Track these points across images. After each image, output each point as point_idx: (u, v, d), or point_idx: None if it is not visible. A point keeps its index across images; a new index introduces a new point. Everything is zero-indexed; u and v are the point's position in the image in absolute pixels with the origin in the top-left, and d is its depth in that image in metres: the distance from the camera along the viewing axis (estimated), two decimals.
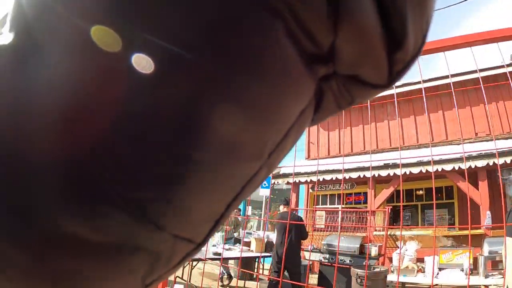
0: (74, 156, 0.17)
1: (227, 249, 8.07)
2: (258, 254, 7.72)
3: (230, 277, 8.91)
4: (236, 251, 8.41)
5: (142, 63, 0.16)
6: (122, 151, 0.17)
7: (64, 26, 0.17)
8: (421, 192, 9.90)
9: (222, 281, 8.63)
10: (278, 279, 6.91)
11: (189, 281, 6.82)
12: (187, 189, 0.19)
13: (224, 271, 8.75)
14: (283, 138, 0.20)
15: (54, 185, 0.17)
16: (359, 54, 0.19)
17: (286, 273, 6.73)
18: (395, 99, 3.29)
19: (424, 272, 6.01)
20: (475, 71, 8.53)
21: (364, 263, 6.93)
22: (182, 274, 7.52)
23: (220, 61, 0.16)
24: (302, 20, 0.16)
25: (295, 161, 10.72)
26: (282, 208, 7.41)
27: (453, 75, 8.87)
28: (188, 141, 0.17)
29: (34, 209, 0.17)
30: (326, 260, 7.65)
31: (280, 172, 11.39)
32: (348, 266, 6.94)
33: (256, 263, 8.24)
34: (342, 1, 0.16)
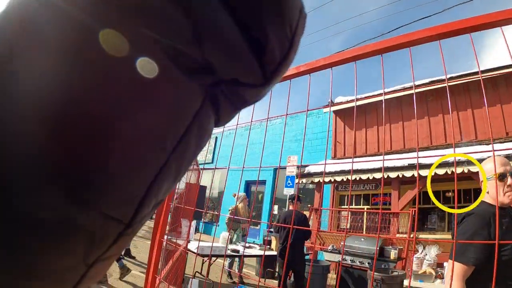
0: (52, 156, 0.21)
1: (246, 247, 8.10)
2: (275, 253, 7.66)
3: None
4: (256, 249, 8.41)
5: (147, 67, 0.21)
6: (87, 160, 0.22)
7: (64, 21, 0.21)
8: (449, 194, 9.54)
9: (231, 277, 8.65)
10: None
11: (207, 277, 6.84)
12: (110, 174, 0.23)
13: (229, 270, 8.79)
14: (184, 135, 0.25)
15: (29, 174, 0.21)
16: (229, 62, 0.23)
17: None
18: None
19: (443, 278, 5.76)
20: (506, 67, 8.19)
21: (383, 266, 6.78)
22: (201, 270, 7.58)
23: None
24: (175, 44, 0.21)
25: (321, 160, 10.63)
26: (291, 207, 7.33)
27: (483, 71, 8.53)
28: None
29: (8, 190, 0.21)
30: (345, 262, 7.52)
31: (305, 172, 11.30)
32: (365, 269, 6.82)
33: (277, 262, 8.15)
34: (204, 27, 0.21)
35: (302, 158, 10.39)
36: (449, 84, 8.81)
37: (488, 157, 2.56)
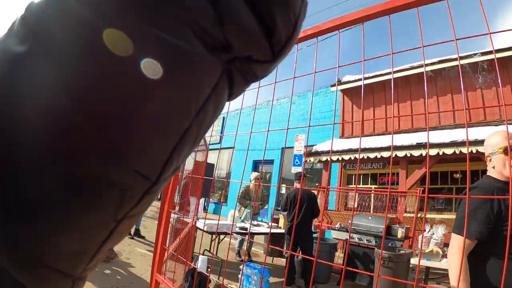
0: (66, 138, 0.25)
1: (255, 225, 8.14)
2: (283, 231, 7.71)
3: (248, 254, 9.01)
4: (264, 228, 8.46)
5: (152, 67, 0.25)
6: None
7: (75, 21, 0.25)
8: (457, 175, 9.51)
9: (239, 256, 8.71)
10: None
11: (216, 254, 6.92)
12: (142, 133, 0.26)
13: (238, 248, 8.84)
14: (205, 103, 0.28)
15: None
16: (245, 42, 0.28)
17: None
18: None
19: None
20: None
21: (390, 245, 6.81)
22: (210, 248, 7.67)
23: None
24: (202, 26, 0.26)
25: (328, 139, 10.56)
26: (296, 184, 7.37)
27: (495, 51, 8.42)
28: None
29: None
30: (352, 240, 7.56)
31: (313, 150, 11.31)
32: (372, 247, 6.86)
33: (285, 240, 8.19)
34: (226, 13, 0.26)
35: (308, 136, 10.35)
36: (459, 63, 8.73)
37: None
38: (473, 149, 7.35)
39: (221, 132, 18.05)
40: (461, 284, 2.06)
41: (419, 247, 6.43)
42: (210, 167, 8.39)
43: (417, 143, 8.31)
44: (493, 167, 2.26)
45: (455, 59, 8.89)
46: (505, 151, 2.16)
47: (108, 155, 0.25)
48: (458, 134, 7.92)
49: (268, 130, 1.97)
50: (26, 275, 0.26)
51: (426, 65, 9.58)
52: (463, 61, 8.80)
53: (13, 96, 0.24)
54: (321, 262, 7.05)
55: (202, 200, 8.04)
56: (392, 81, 1.98)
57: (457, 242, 2.15)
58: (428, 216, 8.66)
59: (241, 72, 0.30)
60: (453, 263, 2.15)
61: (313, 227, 7.72)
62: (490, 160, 2.28)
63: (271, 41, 0.29)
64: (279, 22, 0.28)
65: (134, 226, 9.34)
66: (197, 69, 0.27)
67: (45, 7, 0.25)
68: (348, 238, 7.65)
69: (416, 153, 8.36)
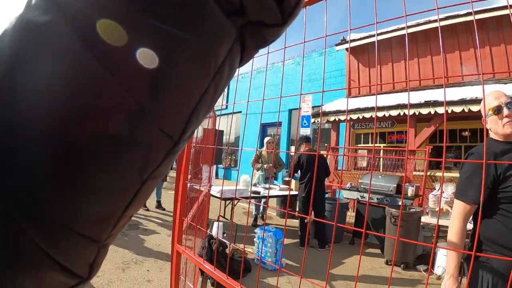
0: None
1: (266, 188, 8.25)
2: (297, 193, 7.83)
3: (262, 217, 9.19)
4: (276, 190, 8.58)
5: (148, 57, 0.25)
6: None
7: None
8: (466, 133, 9.52)
9: (256, 221, 8.88)
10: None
11: (231, 219, 7.05)
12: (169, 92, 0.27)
13: (255, 213, 9.00)
14: (221, 65, 0.30)
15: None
16: (259, 7, 0.29)
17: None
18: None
19: None
20: None
21: (400, 203, 6.92)
22: (224, 213, 7.82)
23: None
24: None
25: (335, 99, 10.48)
26: (303, 147, 7.43)
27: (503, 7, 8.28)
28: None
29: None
30: (363, 199, 7.68)
31: (320, 111, 11.31)
32: (383, 206, 6.97)
33: (298, 202, 8.32)
34: None
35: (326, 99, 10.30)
36: (465, 19, 8.59)
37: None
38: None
39: (227, 97, 18.00)
40: (456, 242, 2.25)
41: (429, 205, 6.55)
42: (219, 134, 8.44)
43: (425, 101, 8.25)
44: (490, 130, 2.32)
45: (464, 15, 8.75)
46: (495, 111, 2.22)
47: (134, 113, 0.26)
48: (466, 92, 7.87)
49: (281, 87, 2.01)
50: (53, 244, 0.27)
51: (433, 21, 9.45)
52: (469, 18, 8.66)
53: (41, 63, 0.25)
54: (336, 223, 7.17)
55: (213, 167, 8.13)
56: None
57: (457, 207, 2.30)
58: (437, 174, 8.73)
59: (252, 37, 0.31)
60: (453, 227, 2.29)
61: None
62: (487, 123, 2.33)
63: (281, 6, 0.30)
64: None
65: (156, 198, 9.58)
66: (217, 32, 0.28)
67: None
68: (358, 197, 7.78)
69: (424, 111, 8.31)
